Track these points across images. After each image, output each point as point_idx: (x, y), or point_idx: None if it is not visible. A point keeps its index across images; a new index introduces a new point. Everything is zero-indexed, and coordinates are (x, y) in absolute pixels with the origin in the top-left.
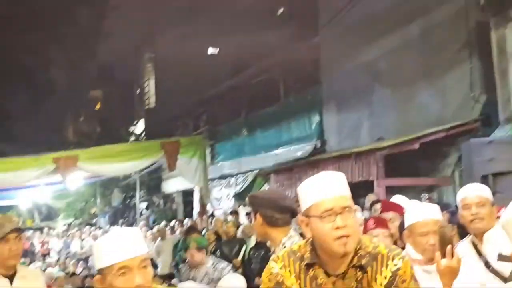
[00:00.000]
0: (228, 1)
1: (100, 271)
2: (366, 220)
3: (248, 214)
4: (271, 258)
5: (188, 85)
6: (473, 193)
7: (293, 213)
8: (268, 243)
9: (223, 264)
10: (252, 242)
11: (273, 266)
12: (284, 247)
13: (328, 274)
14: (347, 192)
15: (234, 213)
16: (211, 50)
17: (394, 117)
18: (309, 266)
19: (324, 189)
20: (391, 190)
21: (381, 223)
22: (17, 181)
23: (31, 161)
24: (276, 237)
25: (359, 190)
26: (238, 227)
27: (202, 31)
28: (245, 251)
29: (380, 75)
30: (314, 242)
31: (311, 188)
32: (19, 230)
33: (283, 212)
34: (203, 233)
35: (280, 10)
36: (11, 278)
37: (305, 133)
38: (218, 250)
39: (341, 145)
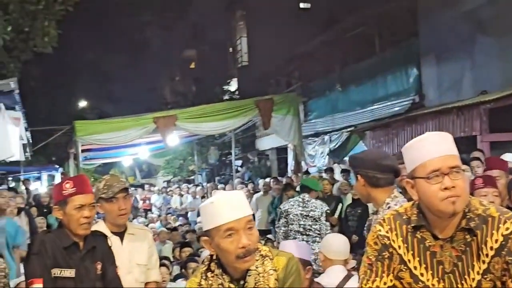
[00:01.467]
0: None
1: (207, 233)
2: (473, 179)
3: (343, 171)
4: (377, 221)
5: (280, 41)
6: None
7: (396, 173)
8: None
9: None
10: (348, 199)
11: (380, 229)
12: (388, 207)
13: (435, 237)
14: (455, 152)
15: (329, 170)
16: (302, 4)
17: (498, 68)
18: (416, 228)
19: (431, 149)
20: (495, 146)
21: (490, 181)
22: (120, 140)
23: (132, 121)
24: (380, 198)
25: (461, 147)
26: (333, 185)
27: None
28: (341, 208)
29: (483, 24)
30: (420, 204)
31: (416, 148)
32: (127, 190)
33: (385, 172)
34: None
35: None
36: (121, 235)
37: (402, 87)
38: None
39: (441, 99)
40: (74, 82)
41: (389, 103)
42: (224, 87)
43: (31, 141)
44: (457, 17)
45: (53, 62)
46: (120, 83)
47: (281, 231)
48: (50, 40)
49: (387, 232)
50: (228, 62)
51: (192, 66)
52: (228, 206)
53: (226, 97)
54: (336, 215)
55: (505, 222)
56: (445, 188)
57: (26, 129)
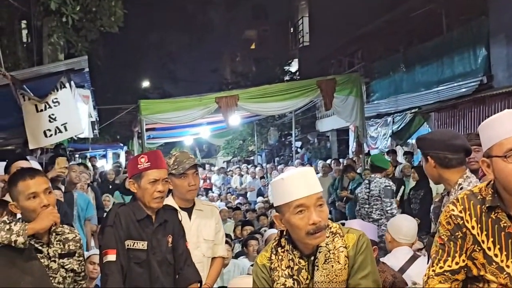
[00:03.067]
0: None
1: (278, 209)
2: None
3: (406, 154)
4: (450, 201)
5: (343, 21)
6: None
7: (467, 152)
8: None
9: None
10: (411, 182)
11: (453, 209)
12: (461, 188)
13: (511, 218)
14: None
15: (392, 152)
16: None
17: None
18: (490, 209)
19: (508, 127)
20: None
21: None
22: (184, 119)
23: (195, 101)
24: (452, 179)
25: None
26: (396, 167)
27: None
28: (403, 191)
29: None
30: (496, 184)
31: (493, 126)
32: (196, 167)
33: (456, 152)
34: (361, 171)
35: None
36: (189, 211)
37: (470, 68)
38: None
39: (511, 80)
40: (139, 62)
41: (455, 84)
42: (284, 67)
43: (98, 119)
44: None
45: (119, 42)
46: (182, 64)
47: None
48: (116, 19)
49: (460, 212)
50: (289, 42)
51: (253, 46)
52: (299, 183)
53: (286, 77)
54: (399, 197)
55: None
56: None
57: (94, 107)
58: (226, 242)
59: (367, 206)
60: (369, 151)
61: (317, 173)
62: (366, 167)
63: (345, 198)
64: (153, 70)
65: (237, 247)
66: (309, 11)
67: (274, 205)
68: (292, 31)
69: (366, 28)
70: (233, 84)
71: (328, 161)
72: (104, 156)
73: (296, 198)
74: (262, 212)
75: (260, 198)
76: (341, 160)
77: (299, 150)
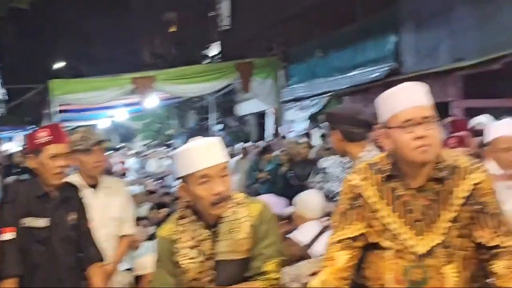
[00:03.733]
0: None
1: (183, 179)
2: (446, 138)
3: (322, 136)
4: (351, 171)
5: (263, 6)
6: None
7: (371, 127)
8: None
9: None
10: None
11: (352, 178)
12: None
13: (407, 187)
14: (428, 102)
15: (307, 135)
16: None
17: (475, 36)
18: (389, 178)
19: (404, 99)
20: (470, 112)
21: (462, 141)
22: (98, 100)
23: (110, 81)
24: (355, 152)
25: (437, 112)
26: (311, 149)
27: None
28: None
29: None
30: (394, 154)
31: (390, 99)
32: (101, 142)
33: (360, 127)
34: (276, 154)
35: None
36: (95, 187)
37: (381, 54)
38: (291, 171)
39: (419, 66)
40: (52, 41)
41: (368, 69)
42: (204, 50)
43: (7, 97)
44: None
45: (31, 19)
46: (99, 44)
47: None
48: None
49: (360, 181)
50: (210, 25)
51: (173, 29)
52: (203, 153)
53: (206, 61)
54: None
55: (472, 172)
56: (418, 138)
57: (2, 85)
58: (141, 224)
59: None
60: (286, 134)
61: (237, 155)
62: (282, 150)
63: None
64: (69, 49)
65: (152, 230)
66: None
67: (178, 176)
68: (213, 14)
69: (285, 13)
70: (151, 66)
71: (247, 144)
72: (11, 139)
73: (200, 169)
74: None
75: (177, 182)
76: (259, 142)
77: (219, 133)
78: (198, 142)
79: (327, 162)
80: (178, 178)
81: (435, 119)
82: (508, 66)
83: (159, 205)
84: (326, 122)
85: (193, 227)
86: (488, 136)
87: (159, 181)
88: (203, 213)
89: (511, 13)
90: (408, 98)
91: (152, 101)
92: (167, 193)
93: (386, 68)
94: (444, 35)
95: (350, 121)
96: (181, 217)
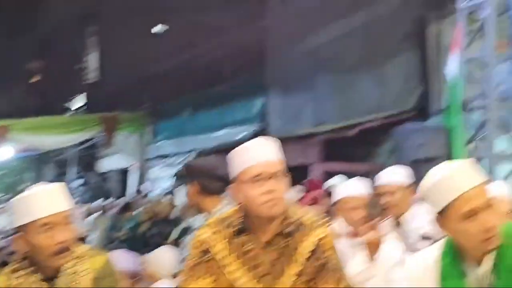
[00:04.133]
0: None
1: (21, 229)
2: (301, 198)
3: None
4: (202, 226)
5: (133, 61)
6: (387, 180)
7: (228, 182)
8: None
9: None
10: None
11: (202, 233)
12: None
13: (257, 242)
14: (278, 157)
15: (172, 193)
16: (158, 27)
17: (335, 103)
18: (239, 232)
19: (255, 154)
20: (330, 175)
21: (317, 200)
22: None
23: None
24: (210, 206)
25: (298, 174)
26: (173, 208)
27: (149, 7)
28: (181, 231)
29: (324, 62)
30: (245, 208)
31: (242, 153)
32: None
33: (218, 180)
34: (138, 212)
35: None
36: None
37: (248, 115)
38: (152, 230)
39: (284, 128)
40: None
41: (235, 130)
42: (67, 103)
43: None
44: (302, 53)
45: None
46: None
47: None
48: None
49: (209, 235)
50: (77, 77)
51: (36, 78)
52: (45, 199)
53: (71, 112)
54: (173, 237)
55: (316, 228)
56: (266, 192)
57: None
58: None
59: None
60: (149, 192)
61: (96, 212)
62: (144, 208)
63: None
64: None
65: None
66: (99, 47)
67: (16, 226)
68: (80, 66)
69: (155, 69)
70: (7, 115)
71: (108, 201)
72: None
73: (41, 216)
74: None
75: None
76: (120, 200)
77: (79, 188)
78: (39, 188)
79: (197, 222)
80: (15, 229)
81: (285, 174)
82: (365, 133)
83: (4, 264)
84: (185, 173)
85: (30, 280)
86: (336, 196)
87: (8, 238)
88: (42, 264)
89: (369, 83)
90: (259, 153)
91: (6, 152)
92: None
93: (253, 129)
94: (308, 100)
95: (207, 174)
96: (16, 270)
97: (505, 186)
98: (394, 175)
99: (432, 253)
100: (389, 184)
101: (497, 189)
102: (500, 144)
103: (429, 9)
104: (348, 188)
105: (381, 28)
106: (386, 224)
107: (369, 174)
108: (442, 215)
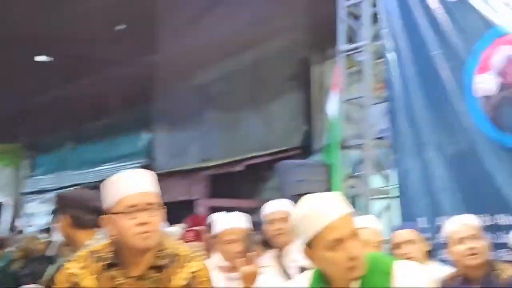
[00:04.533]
0: (67, 10)
1: None
2: (184, 233)
3: None
4: (70, 259)
5: (13, 90)
6: (276, 208)
7: (100, 214)
8: None
9: None
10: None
11: (70, 267)
12: None
13: (127, 276)
14: (154, 189)
15: (48, 230)
16: (42, 57)
17: (222, 140)
18: (110, 266)
19: (130, 185)
20: (215, 211)
21: (199, 235)
22: None
23: None
24: (82, 239)
25: (184, 209)
26: (50, 244)
27: (34, 36)
28: (57, 268)
29: (212, 99)
30: (117, 241)
31: (116, 184)
32: None
33: (91, 213)
34: (12, 249)
35: (120, 26)
36: None
37: (134, 150)
38: (25, 269)
39: (170, 164)
40: None
41: (119, 164)
42: None
43: None
44: (191, 89)
45: None
46: None
47: None
48: None
49: (78, 269)
50: None
51: None
52: None
53: None
54: (48, 275)
55: (191, 260)
56: (140, 224)
57: None
58: None
59: None
60: (24, 228)
61: None
62: (18, 244)
63: None
64: None
65: None
66: None
67: None
68: None
69: (34, 100)
70: None
71: None
72: None
73: None
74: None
75: None
76: None
77: None
78: None
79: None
80: None
81: (160, 206)
82: (251, 169)
83: None
84: (56, 205)
85: None
86: (215, 229)
87: None
88: None
89: (255, 120)
90: (134, 184)
91: None
92: None
93: (138, 164)
94: (195, 135)
95: (80, 206)
96: None
97: (375, 219)
98: (282, 204)
99: (301, 283)
100: (279, 210)
101: (368, 222)
102: (376, 181)
103: (313, 51)
104: (227, 221)
105: (268, 68)
106: (266, 257)
107: (255, 211)
108: (310, 246)
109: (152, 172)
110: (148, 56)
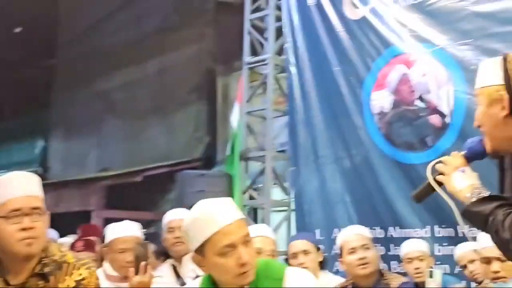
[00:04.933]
0: None
1: None
2: (73, 242)
3: None
4: None
5: None
6: (176, 216)
7: None
8: None
9: None
10: None
11: None
12: None
13: (8, 283)
14: (39, 193)
15: None
16: None
17: (122, 149)
18: None
19: (13, 188)
20: (110, 222)
21: (90, 246)
22: None
23: None
24: None
25: (79, 220)
26: None
27: None
28: None
29: (113, 106)
30: None
31: None
32: None
33: None
34: None
35: (17, 29)
36: None
37: (27, 157)
38: None
39: (66, 172)
40: None
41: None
42: None
43: None
44: (91, 96)
45: None
46: None
47: None
48: None
49: None
50: None
51: None
52: None
53: None
54: None
55: (79, 268)
56: (23, 229)
57: None
58: None
59: None
60: None
61: None
62: None
63: None
64: None
65: None
66: None
67: None
68: None
69: None
70: None
71: None
72: None
73: None
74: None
75: None
76: None
77: None
78: None
79: None
80: None
81: (45, 212)
82: (149, 180)
83: None
84: None
85: None
86: (107, 238)
87: None
88: None
89: (157, 130)
90: (18, 187)
91: None
92: None
93: (32, 172)
94: (93, 144)
95: None
96: None
97: (269, 229)
98: (182, 213)
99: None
100: (179, 219)
101: (262, 231)
102: (276, 193)
103: (220, 62)
104: (118, 230)
105: (174, 77)
106: (163, 267)
107: (153, 223)
108: (201, 252)
109: (35, 176)
110: (46, 60)
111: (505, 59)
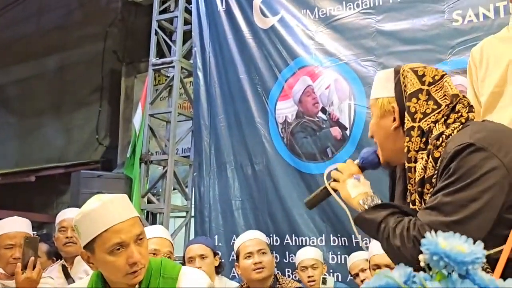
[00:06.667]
0: None
1: None
2: None
3: None
4: None
5: None
6: (69, 215)
7: None
8: None
9: None
10: None
11: None
12: None
13: None
14: None
15: None
16: None
17: (14, 147)
18: None
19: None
20: None
21: None
22: None
23: None
24: None
25: None
26: None
27: None
28: None
29: (7, 103)
30: None
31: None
32: None
33: None
34: None
35: None
36: None
37: None
38: None
39: None
40: None
41: None
42: None
43: None
44: None
45: None
46: None
47: None
48: None
49: None
50: None
51: None
52: None
53: None
54: None
55: None
56: None
57: None
58: None
59: None
60: None
61: None
62: None
63: None
64: None
65: None
66: None
67: None
68: None
69: None
70: None
71: None
72: None
73: None
74: None
75: None
76: None
77: None
78: None
79: None
80: None
81: None
82: (42, 181)
83: None
84: None
85: None
86: None
87: None
88: None
89: (53, 131)
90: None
91: None
92: None
93: None
94: None
95: None
96: None
97: (165, 230)
98: (75, 212)
99: (81, 285)
100: (72, 218)
101: (158, 232)
102: (176, 198)
103: (123, 63)
104: (5, 225)
105: (75, 76)
106: (53, 268)
107: (45, 226)
108: (90, 249)
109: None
110: None
111: (397, 72)
